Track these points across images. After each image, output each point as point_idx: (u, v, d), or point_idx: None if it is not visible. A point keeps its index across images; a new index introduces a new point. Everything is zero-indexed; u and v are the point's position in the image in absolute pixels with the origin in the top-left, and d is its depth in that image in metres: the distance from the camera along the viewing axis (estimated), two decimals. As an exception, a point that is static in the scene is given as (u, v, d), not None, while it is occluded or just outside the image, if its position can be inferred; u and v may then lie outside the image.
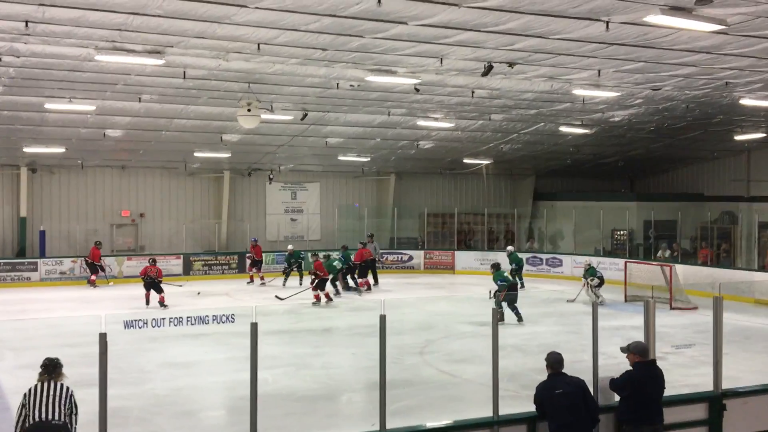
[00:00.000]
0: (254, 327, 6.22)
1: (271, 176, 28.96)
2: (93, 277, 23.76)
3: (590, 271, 20.45)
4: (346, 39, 13.07)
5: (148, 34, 12.85)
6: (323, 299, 19.95)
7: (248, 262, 25.81)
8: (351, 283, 22.56)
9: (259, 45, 13.29)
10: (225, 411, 11.08)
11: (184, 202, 28.40)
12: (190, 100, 19.02)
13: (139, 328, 5.91)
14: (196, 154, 25.21)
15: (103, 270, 24.20)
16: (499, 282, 17.57)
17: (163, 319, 5.89)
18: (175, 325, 5.91)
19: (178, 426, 9.96)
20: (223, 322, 6.19)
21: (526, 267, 27.63)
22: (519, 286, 20.66)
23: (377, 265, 24.79)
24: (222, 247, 27.98)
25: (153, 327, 5.97)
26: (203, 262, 26.74)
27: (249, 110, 17.37)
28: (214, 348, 14.17)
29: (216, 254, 27.12)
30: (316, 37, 12.98)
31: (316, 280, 19.93)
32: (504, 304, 16.47)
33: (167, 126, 21.58)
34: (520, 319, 16.84)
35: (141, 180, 27.71)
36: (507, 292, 17.10)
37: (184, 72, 15.66)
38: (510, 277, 18.78)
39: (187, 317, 5.99)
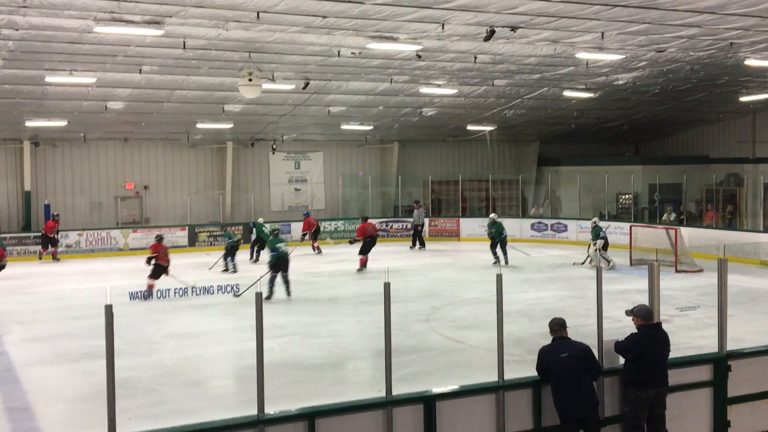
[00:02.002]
0: (259, 296, 6.23)
1: (274, 146, 28.91)
2: (54, 250, 23.65)
3: (594, 231, 20.52)
4: (346, 6, 12.96)
5: (146, 5, 12.76)
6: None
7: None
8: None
9: (258, 13, 13.18)
10: (232, 380, 11.16)
11: (187, 173, 28.40)
12: (190, 71, 18.92)
13: (145, 299, 5.92)
14: (198, 126, 25.16)
15: (54, 245, 23.83)
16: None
17: (168, 290, 5.90)
18: (180, 296, 5.92)
19: (186, 395, 10.04)
20: (227, 293, 6.20)
21: (531, 233, 27.77)
22: (499, 261, 20.64)
23: (420, 231, 26.08)
24: (227, 218, 28.00)
25: (158, 298, 5.99)
26: (208, 233, 26.81)
27: (250, 80, 17.27)
28: (220, 318, 14.25)
29: (221, 225, 27.15)
30: (316, 5, 12.86)
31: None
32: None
33: (168, 97, 21.50)
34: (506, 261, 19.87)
35: (144, 152, 27.69)
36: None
37: (184, 42, 15.56)
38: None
39: (192, 288, 6.01)
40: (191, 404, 9.59)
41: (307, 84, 20.30)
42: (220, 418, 6.47)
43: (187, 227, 26.47)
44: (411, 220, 27.73)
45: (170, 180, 28.08)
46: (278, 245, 16.63)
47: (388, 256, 23.48)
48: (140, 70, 18.39)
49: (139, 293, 5.94)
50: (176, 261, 22.32)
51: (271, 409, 6.46)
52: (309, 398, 8.27)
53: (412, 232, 26.85)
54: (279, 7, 12.90)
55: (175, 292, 5.87)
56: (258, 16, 13.34)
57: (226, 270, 20.80)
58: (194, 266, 21.67)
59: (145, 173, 27.74)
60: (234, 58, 17.27)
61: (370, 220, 22.32)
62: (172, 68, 18.54)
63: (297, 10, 13.25)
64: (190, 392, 10.21)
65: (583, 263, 20.41)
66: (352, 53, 17.19)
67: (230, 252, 20.98)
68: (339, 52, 17.00)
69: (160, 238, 18.24)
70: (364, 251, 20.63)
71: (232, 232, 23.48)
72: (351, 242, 22.12)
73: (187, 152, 28.25)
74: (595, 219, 21.94)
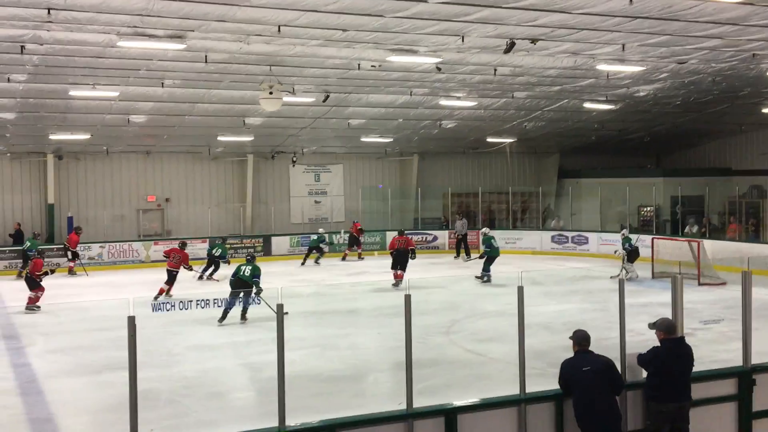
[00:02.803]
0: (280, 308, 6.25)
1: (294, 159, 29.04)
2: (71, 264, 23.47)
3: (624, 240, 20.66)
4: (366, 19, 13.01)
5: (169, 19, 12.88)
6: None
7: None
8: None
9: (279, 27, 13.27)
10: (253, 392, 11.17)
11: (208, 186, 28.59)
12: (212, 84, 19.08)
13: (167, 311, 5.96)
14: (219, 138, 25.32)
15: (77, 257, 23.71)
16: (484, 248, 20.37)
17: (190, 301, 5.93)
18: (202, 307, 5.94)
19: (207, 407, 10.06)
20: (250, 305, 6.21)
21: (551, 245, 27.64)
22: (481, 278, 20.24)
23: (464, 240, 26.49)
24: (247, 230, 28.13)
25: (180, 309, 6.02)
26: (229, 246, 26.87)
27: (271, 93, 17.37)
28: (240, 330, 14.29)
29: (242, 237, 27.27)
30: (336, 18, 12.93)
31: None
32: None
33: (190, 111, 21.67)
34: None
35: (166, 165, 27.92)
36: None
37: (206, 56, 15.69)
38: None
39: (214, 299, 6.04)
40: (212, 416, 9.62)
41: (327, 97, 20.39)
42: (242, 430, 6.48)
43: (207, 239, 26.59)
44: (432, 232, 27.81)
45: (191, 192, 28.27)
46: (242, 268, 15.65)
47: (409, 268, 23.44)
48: (162, 83, 18.56)
49: (163, 304, 5.97)
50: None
51: (291, 422, 6.46)
52: (329, 410, 8.25)
53: (455, 242, 27.32)
54: (300, 20, 12.98)
55: (197, 304, 5.90)
56: (279, 30, 13.42)
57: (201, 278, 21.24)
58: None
59: (166, 186, 27.96)
60: (255, 71, 17.39)
61: (406, 233, 22.31)
62: (193, 82, 18.70)
63: (317, 24, 13.33)
64: (211, 404, 10.24)
65: (618, 276, 20.34)
66: (372, 66, 17.25)
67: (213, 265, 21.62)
68: (359, 65, 17.07)
69: (182, 245, 19.49)
70: (393, 265, 20.25)
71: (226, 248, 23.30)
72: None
73: (208, 165, 28.44)
74: (624, 230, 22.02)
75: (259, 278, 15.34)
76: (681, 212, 27.33)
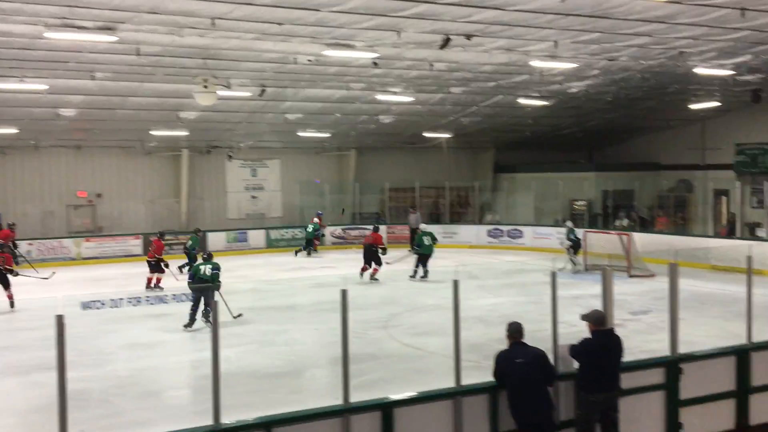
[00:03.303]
0: (215, 305, 6.18)
1: (231, 154, 28.72)
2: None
3: (568, 232, 21.28)
4: (302, 13, 12.94)
5: (99, 10, 12.59)
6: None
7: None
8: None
9: (213, 20, 13.09)
10: (188, 390, 11.03)
11: (142, 181, 28.03)
12: (144, 78, 18.70)
13: (97, 309, 5.84)
14: (152, 133, 24.86)
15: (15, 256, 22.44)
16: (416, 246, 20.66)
17: (121, 299, 5.82)
18: (134, 306, 5.84)
19: (140, 406, 9.89)
20: (182, 302, 6.13)
21: (487, 239, 28.02)
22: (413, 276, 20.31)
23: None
24: (183, 227, 27.70)
25: (111, 308, 5.90)
26: (165, 242, 26.43)
27: (205, 87, 17.15)
28: (176, 328, 14.06)
29: (177, 234, 26.84)
30: (272, 11, 12.82)
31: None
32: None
33: (122, 104, 21.22)
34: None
35: (97, 160, 27.27)
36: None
37: (138, 49, 15.38)
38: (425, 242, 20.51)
39: (146, 297, 5.93)
40: (146, 415, 9.47)
41: (264, 91, 20.21)
42: (176, 429, 6.39)
43: (141, 236, 26.11)
44: (370, 227, 27.83)
45: (124, 188, 27.68)
46: (201, 267, 14.79)
47: (347, 263, 23.46)
48: (93, 76, 18.11)
49: (93, 303, 5.85)
50: (131, 270, 22.12)
51: (227, 419, 6.40)
52: (266, 407, 8.19)
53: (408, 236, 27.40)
54: (234, 13, 12.83)
55: (128, 302, 5.79)
56: (213, 23, 13.25)
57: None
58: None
59: (98, 181, 27.31)
60: (189, 64, 17.12)
61: (380, 229, 22.32)
62: (125, 75, 18.31)
63: (252, 17, 13.19)
64: (145, 403, 10.07)
65: (563, 269, 20.81)
66: (308, 60, 17.17)
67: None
68: (295, 59, 16.97)
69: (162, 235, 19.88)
70: (364, 260, 20.41)
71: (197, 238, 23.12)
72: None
73: (141, 160, 27.89)
74: (569, 222, 22.57)
75: (219, 271, 14.61)
76: (612, 206, 28.00)
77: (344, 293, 6.72)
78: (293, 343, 13.39)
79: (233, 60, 17.04)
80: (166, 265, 19.31)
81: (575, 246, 21.32)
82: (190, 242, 22.23)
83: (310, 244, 26.35)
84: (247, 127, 25.63)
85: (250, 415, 6.78)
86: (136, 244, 25.86)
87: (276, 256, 26.26)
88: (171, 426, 6.67)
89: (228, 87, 18.84)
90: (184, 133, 25.04)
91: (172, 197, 28.33)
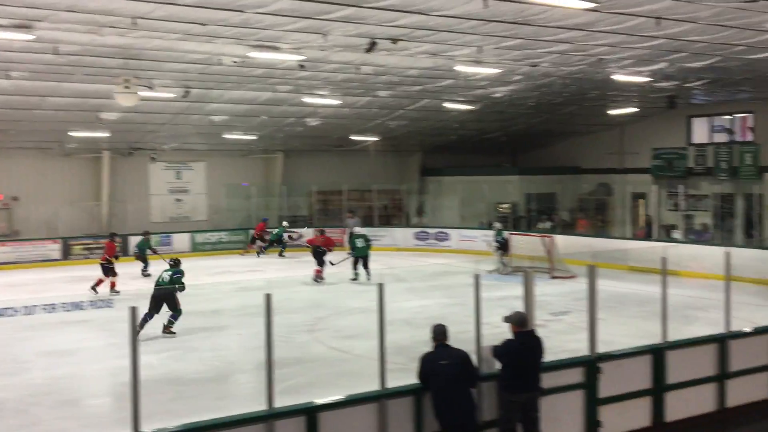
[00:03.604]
0: (133, 311, 6.05)
1: (154, 156, 28.13)
2: None
3: (497, 234, 21.59)
4: (226, 14, 12.77)
5: (14, 8, 12.17)
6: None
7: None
8: None
9: (134, 19, 12.80)
10: (109, 398, 10.76)
11: (61, 183, 27.18)
12: (63, 77, 18.15)
13: (10, 316, 5.63)
14: (72, 134, 24.15)
15: None
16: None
17: (35, 306, 5.63)
18: (49, 312, 5.66)
19: (58, 416, 9.60)
20: (100, 308, 5.98)
21: (414, 242, 28.21)
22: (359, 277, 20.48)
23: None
24: (103, 230, 26.98)
25: (25, 315, 5.69)
26: (84, 246, 25.78)
27: (127, 87, 16.75)
28: (96, 334, 13.70)
29: (97, 237, 26.15)
30: (195, 12, 12.62)
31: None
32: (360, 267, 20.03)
33: (40, 104, 20.57)
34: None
35: (14, 162, 26.31)
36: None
37: (56, 47, 14.92)
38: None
39: (62, 303, 5.76)
40: (63, 425, 9.21)
41: (188, 92, 19.88)
42: (93, 439, 6.23)
43: (60, 240, 25.35)
44: (297, 230, 27.80)
45: (42, 191, 26.78)
46: (162, 274, 14.43)
47: (274, 266, 23.28)
48: (8, 75, 17.49)
49: (5, 310, 5.64)
50: (48, 275, 21.47)
51: (147, 427, 6.27)
52: (189, 414, 8.07)
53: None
54: (156, 13, 12.58)
55: (43, 309, 5.61)
56: (134, 23, 12.95)
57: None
58: (68, 280, 20.77)
59: (14, 183, 26.33)
60: (110, 64, 16.69)
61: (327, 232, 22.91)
62: (43, 74, 17.74)
63: (175, 17, 12.95)
64: (62, 412, 9.79)
65: (492, 271, 21.12)
66: (233, 62, 16.96)
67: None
68: (220, 60, 16.75)
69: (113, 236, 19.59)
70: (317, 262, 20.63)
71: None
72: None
73: (60, 162, 27.04)
74: (496, 223, 22.92)
75: (181, 275, 14.30)
76: (535, 209, 28.57)
77: (268, 297, 6.67)
78: (218, 348, 13.21)
79: (156, 60, 16.70)
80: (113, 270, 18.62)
81: (503, 248, 21.67)
82: (140, 243, 22.32)
83: (280, 243, 26.85)
84: (171, 129, 25.16)
85: (172, 422, 6.66)
86: (54, 249, 25.10)
87: (201, 260, 25.83)
88: (89, 436, 6.50)
89: (151, 88, 18.46)
90: (105, 134, 24.41)
91: (93, 200, 27.58)
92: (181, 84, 19.36)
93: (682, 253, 20.60)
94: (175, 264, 14.70)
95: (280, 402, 6.89)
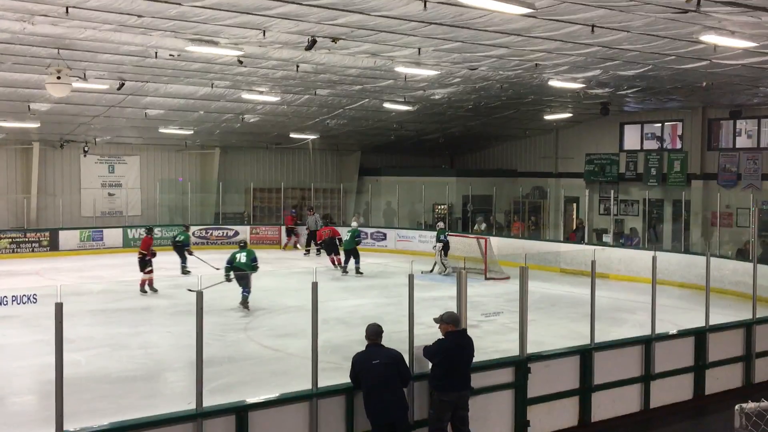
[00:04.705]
0: (59, 307, 5.90)
1: (86, 148, 27.45)
2: None
3: (438, 233, 21.95)
4: (162, 6, 12.52)
5: (-61, -9, 11.73)
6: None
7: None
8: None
9: (67, 8, 12.46)
10: (33, 396, 10.47)
11: (-13, 175, 26.34)
12: (-8, 66, 17.58)
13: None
14: (0, 124, 23.39)
15: None
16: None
17: (-46, 301, 5.44)
18: (-32, 308, 5.47)
19: (-22, 415, 9.31)
20: (24, 303, 5.82)
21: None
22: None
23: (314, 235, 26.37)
24: (32, 224, 26.24)
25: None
26: (10, 240, 25.01)
27: (59, 78, 16.27)
28: (21, 331, 13.32)
29: (25, 231, 25.42)
30: (130, 3, 12.33)
31: None
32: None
33: (-34, 93, 19.88)
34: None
35: (-63, 151, 25.41)
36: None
37: (-15, 34, 14.44)
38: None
39: (-4, 297, 5.58)
40: (-16, 424, 8.91)
41: (122, 85, 19.44)
42: (15, 438, 6.06)
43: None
44: (233, 227, 27.52)
45: (-33, 182, 25.93)
46: (236, 255, 16.48)
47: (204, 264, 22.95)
48: (-68, 62, 16.87)
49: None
50: (-28, 269, 20.72)
51: (72, 426, 6.13)
52: (116, 413, 7.91)
53: (307, 237, 27.34)
54: (89, 3, 12.25)
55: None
56: (67, 12, 12.61)
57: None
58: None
59: (-63, 174, 25.45)
60: (41, 54, 16.20)
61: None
62: (-30, 62, 17.15)
63: (110, 8, 12.64)
64: (-16, 411, 9.48)
65: (431, 271, 21.20)
66: (170, 55, 16.66)
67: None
68: (156, 53, 16.42)
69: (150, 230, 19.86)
70: (328, 253, 22.85)
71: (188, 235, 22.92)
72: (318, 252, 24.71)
73: (-13, 152, 26.21)
74: (440, 223, 23.06)
75: (256, 261, 16.40)
76: (472, 210, 28.88)
77: (199, 295, 6.60)
78: (148, 345, 12.98)
79: (89, 51, 16.28)
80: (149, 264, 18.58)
81: (445, 248, 21.82)
82: (181, 237, 22.14)
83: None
84: (105, 122, 24.59)
85: (98, 421, 6.55)
86: (-21, 242, 24.30)
87: (133, 256, 25.26)
88: (10, 435, 6.32)
89: (84, 79, 18.00)
90: (35, 125, 23.70)
91: (21, 193, 26.77)
92: (115, 76, 18.93)
93: (611, 256, 21.14)
94: (244, 245, 17.12)
95: (211, 401, 6.83)
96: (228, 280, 16.14)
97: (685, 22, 12.61)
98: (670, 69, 17.58)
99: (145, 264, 18.47)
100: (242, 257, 16.39)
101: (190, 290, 7.93)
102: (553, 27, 13.49)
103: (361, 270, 21.41)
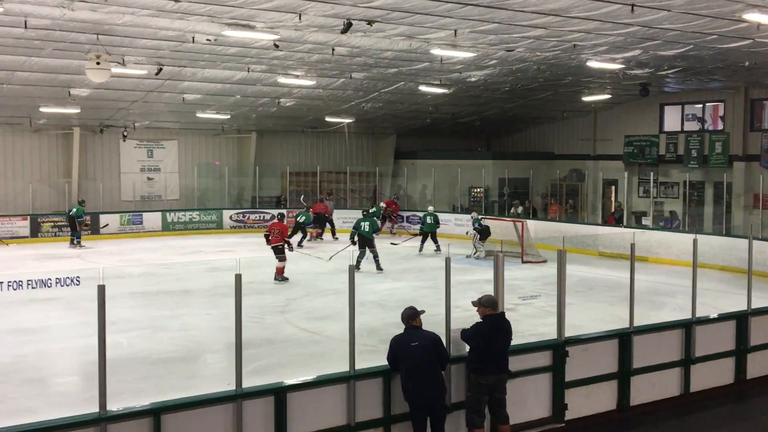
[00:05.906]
0: (101, 289, 6.00)
1: (125, 133, 27.80)
2: None
3: (474, 221, 21.96)
4: (200, -9, 12.63)
5: (-19, -21, 11.93)
6: None
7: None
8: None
9: (106, -6, 12.61)
10: (76, 377, 10.69)
11: (30, 160, 26.79)
12: (33, 52, 17.83)
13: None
14: (42, 110, 23.77)
15: None
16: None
17: (1, 282, 5.56)
18: (15, 289, 5.59)
19: (24, 394, 9.53)
20: (67, 285, 5.92)
21: (387, 224, 28.19)
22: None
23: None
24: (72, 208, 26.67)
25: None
26: (53, 224, 25.48)
27: (98, 63, 16.48)
28: (64, 312, 13.59)
29: (67, 215, 25.84)
30: (168, -12, 12.46)
31: None
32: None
33: (8, 79, 20.21)
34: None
35: (-19, 137, 25.91)
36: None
37: (25, 21, 14.64)
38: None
39: (28, 281, 5.68)
40: (30, 403, 9.12)
41: (161, 70, 19.63)
42: (61, 416, 6.19)
43: (29, 217, 25.03)
44: (270, 211, 27.68)
45: (10, 167, 26.39)
46: (361, 224, 18.74)
47: (245, 247, 23.20)
48: (-25, 49, 17.18)
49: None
50: (17, 252, 21.27)
51: (115, 406, 6.25)
52: (157, 394, 8.04)
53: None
54: (129, -12, 12.41)
55: (8, 285, 5.54)
56: (106, -3, 12.77)
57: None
58: (37, 258, 20.57)
59: (-18, 159, 25.97)
60: (81, 39, 16.42)
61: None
62: (12, 48, 17.40)
63: (148, -7, 12.79)
64: (29, 390, 9.72)
65: (470, 255, 21.18)
66: (207, 40, 16.76)
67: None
68: (194, 38, 16.53)
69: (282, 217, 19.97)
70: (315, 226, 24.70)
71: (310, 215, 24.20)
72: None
73: (29, 137, 26.65)
74: (473, 213, 22.99)
75: (377, 232, 18.29)
76: (508, 194, 28.70)
77: (238, 278, 6.66)
78: (187, 328, 13.16)
79: (128, 36, 16.46)
80: (291, 248, 18.01)
81: (483, 234, 21.65)
82: (303, 218, 23.43)
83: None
84: (143, 107, 24.87)
85: (139, 402, 6.64)
86: (23, 226, 24.78)
87: (172, 239, 25.69)
88: (56, 414, 6.47)
89: (122, 64, 18.21)
90: (75, 110, 24.07)
91: (62, 177, 27.24)
92: (153, 61, 19.12)
93: (651, 239, 20.89)
94: (368, 214, 19.58)
95: (250, 382, 6.90)
96: (353, 243, 18.59)
97: (728, 0, 12.34)
98: (711, 48, 17.23)
99: (280, 251, 17.55)
100: (366, 226, 18.55)
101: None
102: (591, 6, 13.30)
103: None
